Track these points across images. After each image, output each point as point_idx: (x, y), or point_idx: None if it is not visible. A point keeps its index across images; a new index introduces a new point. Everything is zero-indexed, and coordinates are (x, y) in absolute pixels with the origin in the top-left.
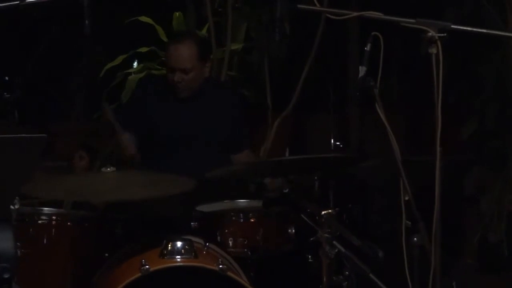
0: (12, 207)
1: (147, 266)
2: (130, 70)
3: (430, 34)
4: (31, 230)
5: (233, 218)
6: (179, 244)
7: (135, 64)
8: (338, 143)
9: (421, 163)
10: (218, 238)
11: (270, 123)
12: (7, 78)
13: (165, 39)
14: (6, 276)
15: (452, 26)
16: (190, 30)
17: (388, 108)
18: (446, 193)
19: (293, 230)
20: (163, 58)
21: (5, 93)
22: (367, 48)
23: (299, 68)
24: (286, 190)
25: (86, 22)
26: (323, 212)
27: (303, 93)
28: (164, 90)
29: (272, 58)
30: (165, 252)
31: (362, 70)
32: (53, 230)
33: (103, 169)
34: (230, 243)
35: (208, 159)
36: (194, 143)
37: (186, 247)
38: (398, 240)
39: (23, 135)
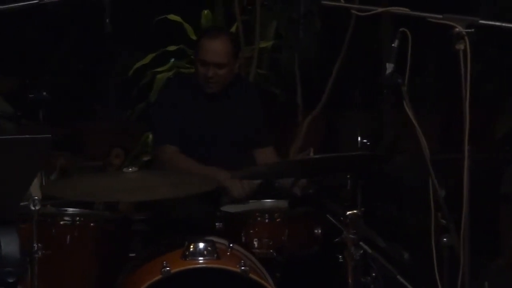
0: (32, 208)
1: (168, 268)
2: (159, 69)
3: (457, 29)
4: (53, 231)
5: (259, 218)
6: (201, 245)
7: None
8: (365, 141)
9: (455, 161)
10: (243, 238)
11: (300, 122)
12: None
13: (193, 37)
14: (10, 280)
15: (480, 21)
16: (221, 26)
17: (424, 105)
18: (482, 192)
19: (320, 231)
20: (191, 56)
21: (29, 94)
22: (395, 44)
23: (329, 66)
24: (312, 190)
25: (107, 20)
26: (348, 213)
27: (334, 91)
28: (192, 88)
29: (303, 56)
30: (187, 253)
31: (389, 67)
32: (76, 231)
33: (124, 169)
34: (255, 244)
35: (234, 156)
36: (221, 140)
37: (208, 248)
38: (429, 240)
39: (27, 136)
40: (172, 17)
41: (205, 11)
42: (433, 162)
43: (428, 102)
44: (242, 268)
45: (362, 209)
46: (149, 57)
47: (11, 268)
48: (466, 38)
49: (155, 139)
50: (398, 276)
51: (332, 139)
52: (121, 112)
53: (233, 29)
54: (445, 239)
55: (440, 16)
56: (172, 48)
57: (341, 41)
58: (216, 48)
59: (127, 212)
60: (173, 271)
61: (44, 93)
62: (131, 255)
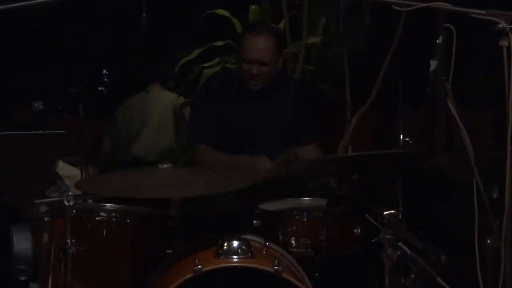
0: (66, 203)
1: (199, 266)
2: (206, 65)
3: (501, 25)
4: (88, 226)
5: (297, 217)
6: (235, 243)
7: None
8: (407, 139)
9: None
10: (281, 237)
11: (348, 119)
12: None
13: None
14: (22, 278)
15: None
16: (265, 21)
17: (477, 102)
18: None
19: (359, 231)
20: None
21: (70, 88)
22: (439, 40)
23: (379, 62)
24: (350, 189)
25: (144, 15)
26: (385, 213)
27: (383, 88)
28: (235, 83)
29: (352, 52)
30: (220, 251)
31: (433, 63)
32: (112, 227)
33: (159, 166)
34: (293, 242)
35: (274, 153)
36: (262, 137)
37: (243, 247)
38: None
39: (42, 131)
40: (221, 11)
41: (253, 6)
42: (484, 160)
43: (482, 99)
44: (276, 267)
45: (400, 209)
46: (195, 52)
47: (23, 266)
48: (510, 34)
49: (189, 137)
50: (438, 278)
51: (381, 137)
52: None
53: (280, 24)
54: (488, 240)
55: (484, 12)
56: (219, 43)
57: (391, 37)
58: (259, 46)
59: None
60: (204, 269)
61: (101, 88)
62: (167, 251)
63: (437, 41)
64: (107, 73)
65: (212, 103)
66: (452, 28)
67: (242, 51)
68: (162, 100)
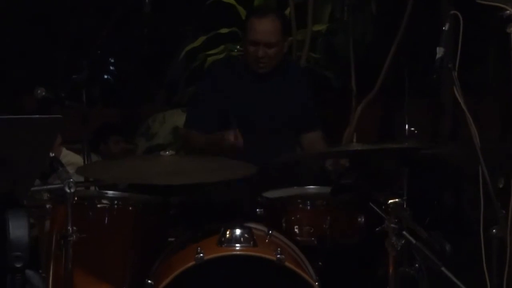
0: (67, 190)
1: (201, 255)
2: (210, 52)
3: (508, 12)
4: (90, 213)
5: (300, 205)
6: (237, 231)
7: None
8: (412, 129)
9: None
10: (284, 225)
11: (354, 108)
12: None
13: None
14: (18, 265)
15: None
16: (270, 5)
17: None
18: None
19: (363, 219)
20: None
21: (73, 75)
22: (445, 28)
23: (385, 51)
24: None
25: (146, 1)
26: (390, 201)
27: (389, 77)
28: (238, 69)
29: (358, 40)
30: (222, 239)
31: (440, 51)
32: (114, 214)
33: (162, 153)
34: (297, 231)
35: (279, 137)
36: (267, 121)
37: (245, 235)
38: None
39: (39, 116)
40: None
41: None
42: (491, 150)
43: (490, 89)
44: (278, 256)
45: (405, 198)
46: (200, 39)
47: (19, 252)
48: None
49: (185, 121)
50: (443, 268)
51: (387, 126)
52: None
53: (286, 12)
54: (494, 230)
55: None
56: (224, 30)
57: (398, 25)
58: (265, 27)
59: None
60: (206, 257)
61: (87, 75)
62: (170, 239)
63: (443, 28)
64: (113, 61)
65: (216, 90)
66: (459, 15)
67: (248, 33)
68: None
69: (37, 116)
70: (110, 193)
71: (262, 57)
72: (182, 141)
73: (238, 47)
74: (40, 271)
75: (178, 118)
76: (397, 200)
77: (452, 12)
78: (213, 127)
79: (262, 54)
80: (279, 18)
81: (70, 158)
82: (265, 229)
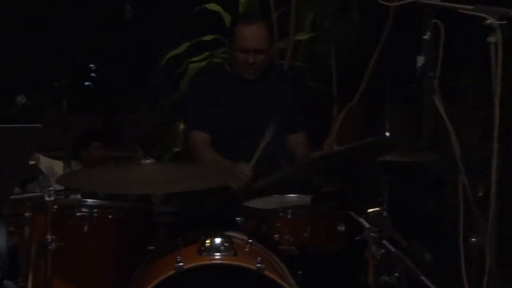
0: (47, 198)
1: (181, 263)
2: (194, 59)
3: (489, 21)
4: (70, 222)
5: (281, 214)
6: (217, 240)
7: None
8: (387, 134)
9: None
10: (264, 234)
11: (335, 115)
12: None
13: None
14: None
15: None
16: (256, 11)
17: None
18: None
19: (343, 228)
20: None
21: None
22: (426, 36)
23: (367, 59)
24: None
25: (128, 8)
26: (369, 210)
27: (371, 84)
28: (224, 76)
29: (340, 48)
30: (202, 248)
31: (420, 60)
32: (93, 222)
33: (142, 161)
34: (277, 240)
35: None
36: (255, 126)
37: (226, 244)
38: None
39: (19, 125)
40: (212, 6)
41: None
42: (470, 158)
43: (471, 97)
44: (258, 265)
45: (385, 206)
46: (184, 46)
47: None
48: (498, 30)
49: (186, 125)
50: (422, 277)
51: (368, 133)
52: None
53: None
54: (473, 239)
55: (472, 7)
56: (208, 37)
57: (379, 32)
58: (254, 34)
59: (146, 202)
60: (186, 266)
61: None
62: (150, 248)
63: (424, 37)
64: (94, 68)
65: (204, 94)
66: (440, 24)
67: (236, 41)
68: None
69: (17, 125)
70: (90, 201)
71: (252, 64)
72: (188, 142)
73: (222, 54)
74: (19, 280)
75: None
76: (377, 208)
77: (433, 21)
78: (215, 126)
79: (253, 60)
80: (266, 24)
81: (48, 164)
82: (245, 238)
